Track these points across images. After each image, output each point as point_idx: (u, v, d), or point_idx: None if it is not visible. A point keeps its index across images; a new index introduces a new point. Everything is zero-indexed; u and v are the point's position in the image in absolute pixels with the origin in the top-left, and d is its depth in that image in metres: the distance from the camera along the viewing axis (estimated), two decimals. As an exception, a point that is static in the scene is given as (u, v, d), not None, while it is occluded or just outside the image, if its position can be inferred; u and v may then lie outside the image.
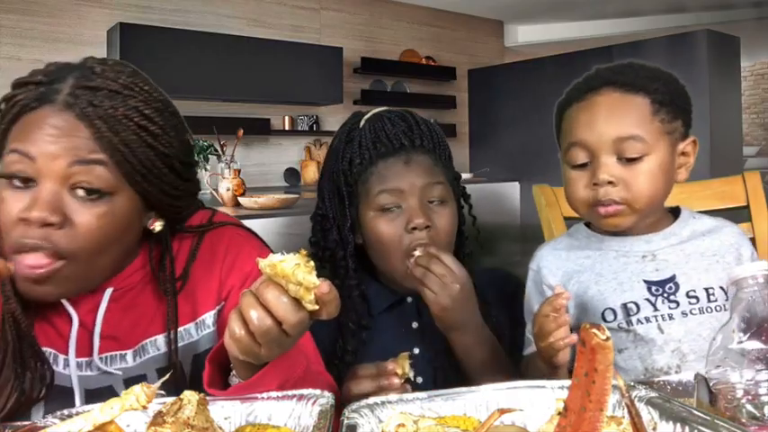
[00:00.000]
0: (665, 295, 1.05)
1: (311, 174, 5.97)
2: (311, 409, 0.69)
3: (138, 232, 0.89)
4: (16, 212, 0.78)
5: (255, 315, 0.68)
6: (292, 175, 6.02)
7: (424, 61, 6.95)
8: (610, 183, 1.02)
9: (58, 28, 4.86)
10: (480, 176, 5.94)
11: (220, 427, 0.64)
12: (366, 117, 1.15)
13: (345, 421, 0.66)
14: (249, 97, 5.53)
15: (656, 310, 1.04)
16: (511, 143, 6.60)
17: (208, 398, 0.66)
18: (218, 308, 0.96)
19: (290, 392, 0.71)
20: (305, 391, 0.71)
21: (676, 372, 1.02)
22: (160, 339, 0.92)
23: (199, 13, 5.50)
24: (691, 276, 1.06)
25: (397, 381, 0.87)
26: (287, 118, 6.01)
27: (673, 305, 1.04)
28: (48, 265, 0.79)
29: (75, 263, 0.80)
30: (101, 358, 0.89)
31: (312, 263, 0.67)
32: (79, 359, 0.88)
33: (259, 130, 5.71)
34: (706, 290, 1.05)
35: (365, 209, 1.10)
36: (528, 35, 7.87)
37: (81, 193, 0.80)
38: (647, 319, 1.03)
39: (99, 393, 0.87)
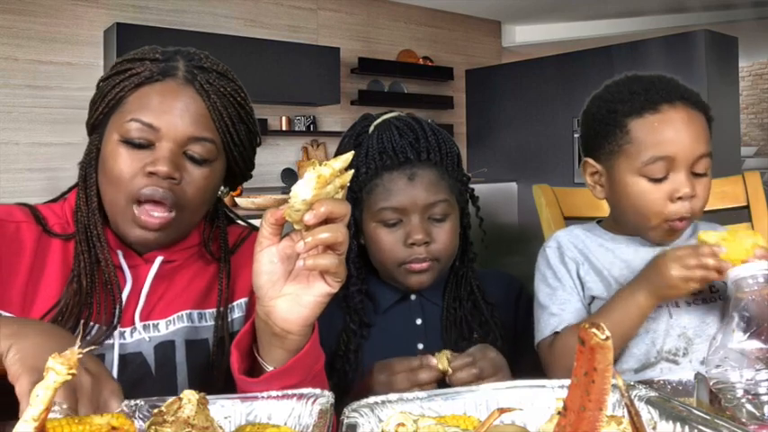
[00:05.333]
0: None
1: (309, 174, 5.94)
2: (311, 408, 0.70)
3: (214, 200, 1.02)
4: (139, 167, 0.89)
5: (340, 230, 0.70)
6: (289, 175, 6.01)
7: (421, 61, 6.94)
8: (691, 197, 1.02)
9: (55, 28, 4.82)
10: (478, 177, 5.93)
11: (221, 427, 0.64)
12: (375, 123, 1.14)
13: (345, 420, 0.66)
14: (246, 97, 5.51)
15: None
16: (508, 144, 6.60)
17: (208, 397, 0.66)
18: (248, 297, 1.04)
19: (289, 392, 0.72)
20: (305, 391, 0.72)
21: (684, 354, 1.05)
22: (194, 313, 1.00)
23: (196, 14, 5.49)
24: None
25: (437, 374, 0.92)
26: (284, 118, 6.00)
27: None
28: (167, 216, 0.90)
29: (183, 214, 0.92)
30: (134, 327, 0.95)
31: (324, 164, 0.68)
32: (122, 328, 0.94)
33: (256, 130, 5.69)
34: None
35: (368, 218, 1.10)
36: (525, 35, 7.87)
37: (193, 158, 0.93)
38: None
39: (131, 359, 0.94)
